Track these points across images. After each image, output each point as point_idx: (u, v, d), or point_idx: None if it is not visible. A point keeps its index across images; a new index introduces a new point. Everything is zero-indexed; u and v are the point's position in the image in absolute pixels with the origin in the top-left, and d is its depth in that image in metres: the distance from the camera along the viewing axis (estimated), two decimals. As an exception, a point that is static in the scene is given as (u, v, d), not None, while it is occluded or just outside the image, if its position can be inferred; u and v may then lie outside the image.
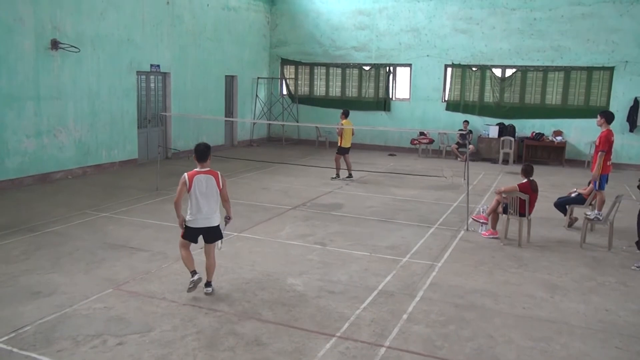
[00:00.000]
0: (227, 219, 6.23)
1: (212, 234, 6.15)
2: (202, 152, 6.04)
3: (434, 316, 5.72)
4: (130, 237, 8.24)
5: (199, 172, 5.98)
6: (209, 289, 6.15)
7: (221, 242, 6.29)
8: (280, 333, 5.25)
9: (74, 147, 12.81)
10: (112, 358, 4.73)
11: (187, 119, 16.47)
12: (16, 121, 11.37)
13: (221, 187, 6.05)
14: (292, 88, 21.09)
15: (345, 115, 13.50)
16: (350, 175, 13.47)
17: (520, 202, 8.42)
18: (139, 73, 14.74)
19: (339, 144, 13.34)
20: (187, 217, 6.04)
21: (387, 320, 5.58)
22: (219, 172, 6.09)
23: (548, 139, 17.17)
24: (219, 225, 6.14)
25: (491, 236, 8.68)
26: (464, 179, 10.56)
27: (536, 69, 17.39)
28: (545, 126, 17.48)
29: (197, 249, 6.45)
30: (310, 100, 20.81)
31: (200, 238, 6.19)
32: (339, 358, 4.83)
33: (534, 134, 17.28)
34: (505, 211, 8.62)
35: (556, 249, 8.24)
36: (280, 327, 5.37)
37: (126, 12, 13.98)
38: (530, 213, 8.51)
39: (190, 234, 6.12)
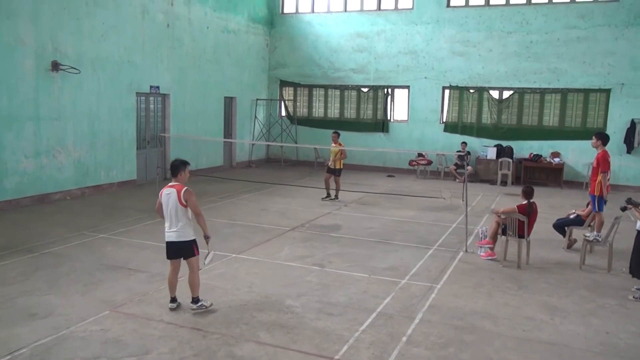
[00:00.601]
0: (206, 238, 6.25)
1: (181, 250, 6.15)
2: (173, 167, 6.15)
3: (433, 338, 5.68)
4: (128, 258, 8.20)
5: (167, 186, 6.13)
6: (192, 306, 6.14)
7: (207, 258, 6.32)
8: (279, 356, 5.20)
9: (73, 168, 12.82)
10: (109, 381, 4.68)
11: (186, 140, 16.52)
12: (15, 142, 11.40)
13: (183, 201, 5.98)
14: (290, 109, 21.21)
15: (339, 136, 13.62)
16: (333, 195, 13.44)
17: (519, 224, 8.41)
18: (138, 94, 14.83)
19: (339, 166, 13.32)
20: None
21: (386, 343, 5.53)
22: (184, 187, 6.05)
23: (546, 160, 17.24)
24: (189, 241, 6.13)
25: (490, 258, 8.66)
26: (463, 200, 10.56)
27: (533, 91, 17.53)
28: (543, 147, 17.56)
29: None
30: (309, 121, 20.91)
31: None
32: (337, 381, 4.78)
33: (532, 155, 17.35)
34: (504, 232, 8.61)
35: (555, 271, 8.21)
36: (278, 350, 5.32)
37: (127, 34, 14.12)
38: (529, 234, 8.50)
39: (166, 249, 6.25)
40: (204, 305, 6.15)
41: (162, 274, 7.47)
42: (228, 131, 19.33)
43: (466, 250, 9.08)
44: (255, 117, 20.63)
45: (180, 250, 6.15)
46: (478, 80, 18.17)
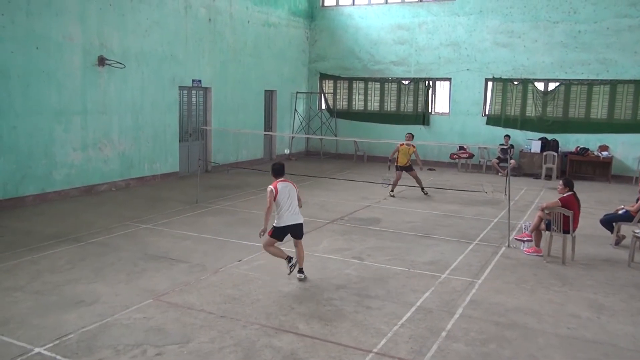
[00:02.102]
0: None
1: (301, 230, 7.21)
2: (279, 170, 7.25)
3: (473, 334, 5.58)
4: (170, 248, 8.37)
5: (280, 181, 7.11)
6: (301, 276, 7.12)
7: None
8: (317, 347, 5.22)
9: (118, 160, 13.16)
10: (151, 368, 4.80)
11: (226, 133, 16.73)
12: (64, 135, 11.78)
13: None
14: (330, 102, 21.19)
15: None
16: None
17: (564, 219, 8.17)
18: (181, 88, 15.09)
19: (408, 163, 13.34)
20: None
21: (425, 337, 5.48)
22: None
23: (593, 154, 16.68)
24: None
25: (534, 254, 8.44)
26: (505, 195, 10.33)
27: (580, 82, 16.97)
28: (590, 141, 16.99)
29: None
30: (349, 114, 20.84)
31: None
32: (376, 375, 4.76)
33: (579, 148, 16.82)
34: (548, 228, 8.38)
35: (602, 268, 7.95)
36: (316, 342, 5.34)
37: (170, 30, 14.37)
38: (574, 230, 8.24)
39: (286, 231, 7.12)
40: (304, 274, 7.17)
41: (202, 264, 7.61)
42: (268, 124, 19.46)
43: (508, 246, 8.89)
44: (295, 110, 20.70)
45: (301, 231, 7.15)
46: (522, 71, 17.71)
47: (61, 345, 5.14)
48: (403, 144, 13.29)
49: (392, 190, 13.27)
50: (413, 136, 13.71)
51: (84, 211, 10.75)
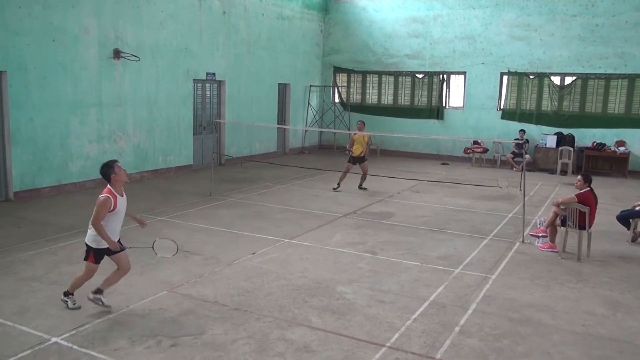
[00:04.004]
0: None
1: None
2: (102, 174, 6.03)
3: (487, 330, 5.56)
4: (184, 240, 8.40)
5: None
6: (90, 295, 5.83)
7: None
8: (330, 341, 5.23)
9: (133, 153, 13.25)
10: (166, 359, 4.84)
11: (240, 126, 16.76)
12: (79, 127, 11.88)
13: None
14: (344, 96, 21.14)
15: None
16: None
17: (580, 214, 8.09)
18: (195, 81, 15.13)
19: (365, 153, 12.91)
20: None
21: (438, 332, 5.47)
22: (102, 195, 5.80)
23: (610, 149, 16.48)
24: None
25: (549, 249, 8.38)
26: (520, 190, 10.26)
27: (598, 76, 16.75)
28: (607, 136, 16.78)
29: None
30: (362, 108, 20.77)
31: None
32: (389, 369, 4.77)
33: (595, 144, 16.63)
34: (563, 223, 8.30)
35: (618, 265, 7.87)
36: (329, 335, 5.36)
37: (184, 23, 14.40)
38: (590, 226, 8.16)
39: (103, 255, 5.89)
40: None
41: (215, 257, 7.65)
42: (282, 117, 19.48)
43: (523, 241, 8.83)
44: (309, 103, 20.68)
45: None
46: (538, 65, 17.52)
47: (78, 335, 5.21)
48: (356, 133, 12.87)
49: (338, 185, 12.84)
50: (364, 123, 13.16)
51: (99, 203, 10.82)
